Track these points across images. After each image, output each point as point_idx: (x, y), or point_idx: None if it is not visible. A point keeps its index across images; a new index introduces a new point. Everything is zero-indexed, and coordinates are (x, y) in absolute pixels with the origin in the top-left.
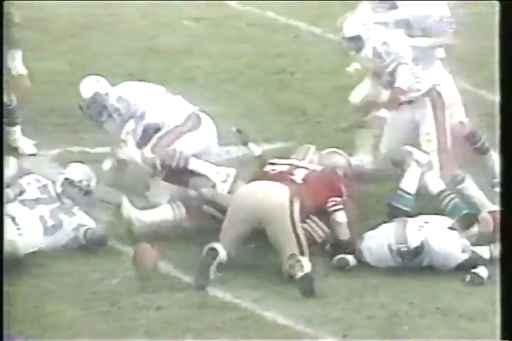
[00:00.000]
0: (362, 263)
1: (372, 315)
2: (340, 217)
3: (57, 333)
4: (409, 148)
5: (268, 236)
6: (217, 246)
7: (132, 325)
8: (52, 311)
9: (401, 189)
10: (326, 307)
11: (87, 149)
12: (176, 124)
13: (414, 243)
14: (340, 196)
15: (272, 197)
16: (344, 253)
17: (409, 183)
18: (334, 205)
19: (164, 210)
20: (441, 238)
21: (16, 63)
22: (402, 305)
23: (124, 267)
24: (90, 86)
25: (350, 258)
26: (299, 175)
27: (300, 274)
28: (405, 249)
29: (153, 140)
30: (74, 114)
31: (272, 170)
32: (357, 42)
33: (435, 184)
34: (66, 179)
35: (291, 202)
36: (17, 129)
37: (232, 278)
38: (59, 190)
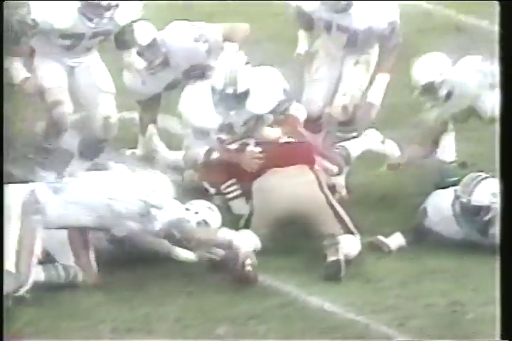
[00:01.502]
0: (416, 245)
1: (431, 303)
2: None
3: (74, 322)
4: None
5: (307, 225)
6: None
7: (160, 312)
8: (68, 297)
9: (441, 161)
10: (379, 293)
11: None
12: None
13: (480, 199)
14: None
15: (303, 191)
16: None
17: (446, 152)
18: None
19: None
20: None
21: None
22: (465, 292)
23: None
24: (145, 31)
25: (395, 239)
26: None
27: (331, 258)
28: (469, 203)
29: None
30: None
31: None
32: None
33: None
34: (204, 221)
35: (322, 186)
36: None
37: (273, 260)
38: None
